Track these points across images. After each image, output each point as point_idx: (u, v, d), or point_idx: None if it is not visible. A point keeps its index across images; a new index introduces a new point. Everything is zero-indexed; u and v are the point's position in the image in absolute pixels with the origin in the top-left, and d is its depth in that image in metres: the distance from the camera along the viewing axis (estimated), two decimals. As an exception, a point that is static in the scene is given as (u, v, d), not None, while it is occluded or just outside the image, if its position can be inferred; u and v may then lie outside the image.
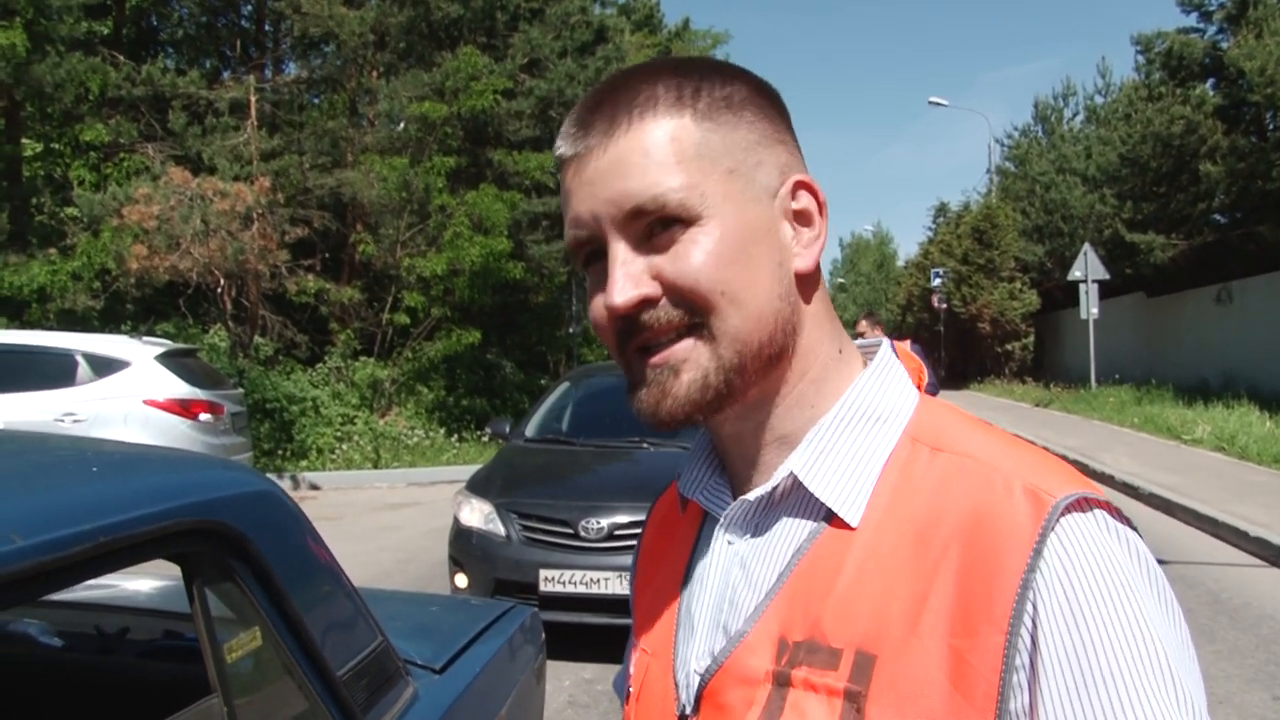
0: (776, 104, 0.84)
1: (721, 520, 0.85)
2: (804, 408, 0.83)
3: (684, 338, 0.79)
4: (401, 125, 18.18)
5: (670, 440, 6.32)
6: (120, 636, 2.28)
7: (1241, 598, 6.85)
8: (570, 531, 5.62)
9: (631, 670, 0.94)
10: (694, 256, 0.76)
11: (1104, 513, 0.72)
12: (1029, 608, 0.68)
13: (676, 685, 0.85)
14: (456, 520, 6.03)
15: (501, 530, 5.76)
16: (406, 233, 16.78)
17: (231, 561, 1.54)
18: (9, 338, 10.15)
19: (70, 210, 15.51)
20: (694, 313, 0.78)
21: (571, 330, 19.45)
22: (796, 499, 0.81)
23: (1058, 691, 0.67)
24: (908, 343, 8.55)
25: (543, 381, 18.26)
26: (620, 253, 0.78)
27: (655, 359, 0.80)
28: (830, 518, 0.78)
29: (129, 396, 9.49)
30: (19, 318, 14.06)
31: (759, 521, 0.83)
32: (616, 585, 5.40)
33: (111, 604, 2.52)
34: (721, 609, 0.83)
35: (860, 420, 0.81)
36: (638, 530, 5.89)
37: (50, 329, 12.09)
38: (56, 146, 16.32)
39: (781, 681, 0.75)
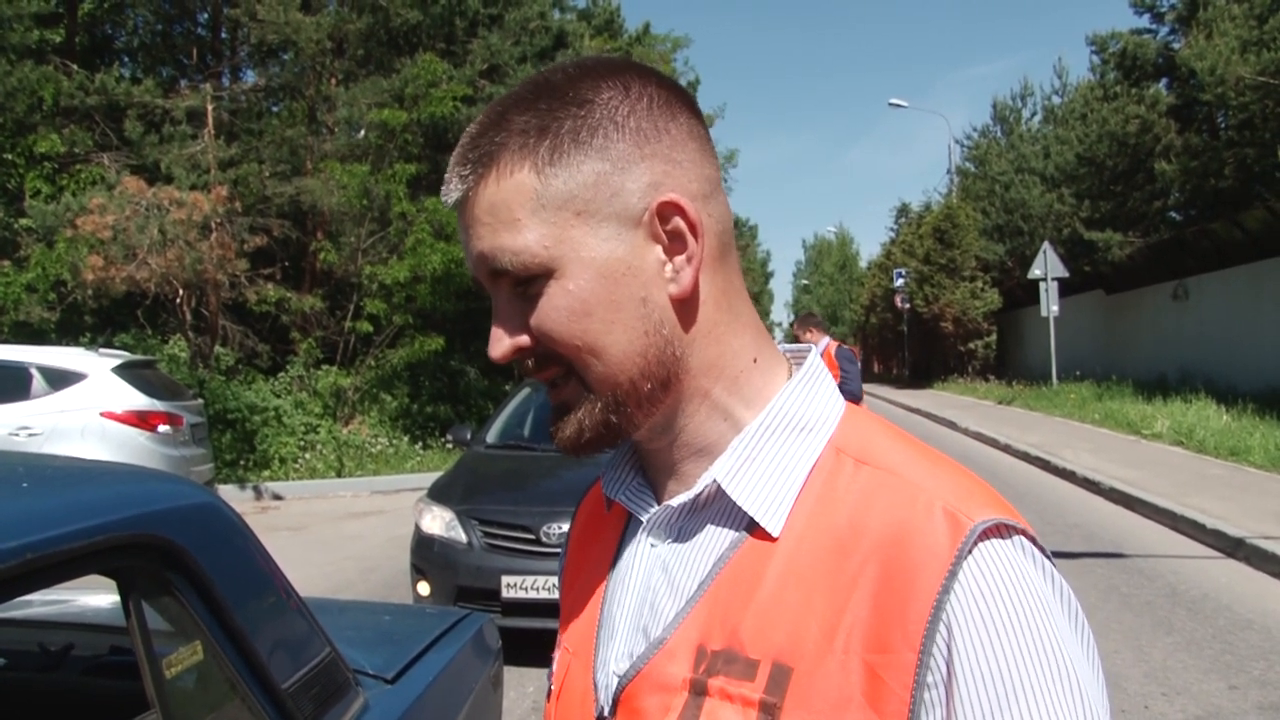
0: (653, 107, 0.79)
1: (645, 523, 0.85)
2: (719, 420, 0.82)
3: (571, 378, 0.81)
4: (361, 132, 18.07)
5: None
6: (64, 653, 2.24)
7: (1199, 589, 6.95)
8: (532, 537, 5.60)
9: (554, 668, 0.94)
10: (549, 314, 0.77)
11: (1022, 539, 0.73)
12: (942, 629, 0.69)
13: (596, 686, 0.85)
14: (418, 528, 5.99)
15: (463, 537, 5.73)
16: (367, 240, 16.68)
17: (169, 575, 1.52)
18: (-39, 352, 9.98)
19: (24, 221, 15.27)
20: (562, 364, 0.80)
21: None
22: (720, 506, 0.80)
23: (972, 711, 0.67)
24: (834, 346, 8.55)
25: (506, 387, 18.17)
26: (496, 305, 0.81)
27: (553, 396, 0.83)
28: (752, 527, 0.78)
29: (86, 409, 9.37)
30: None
31: (682, 526, 0.82)
32: (579, 590, 5.38)
33: (58, 620, 2.49)
34: (642, 612, 0.82)
35: (785, 429, 0.80)
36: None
37: (4, 342, 11.92)
38: (9, 157, 16.07)
39: (698, 690, 0.75)
